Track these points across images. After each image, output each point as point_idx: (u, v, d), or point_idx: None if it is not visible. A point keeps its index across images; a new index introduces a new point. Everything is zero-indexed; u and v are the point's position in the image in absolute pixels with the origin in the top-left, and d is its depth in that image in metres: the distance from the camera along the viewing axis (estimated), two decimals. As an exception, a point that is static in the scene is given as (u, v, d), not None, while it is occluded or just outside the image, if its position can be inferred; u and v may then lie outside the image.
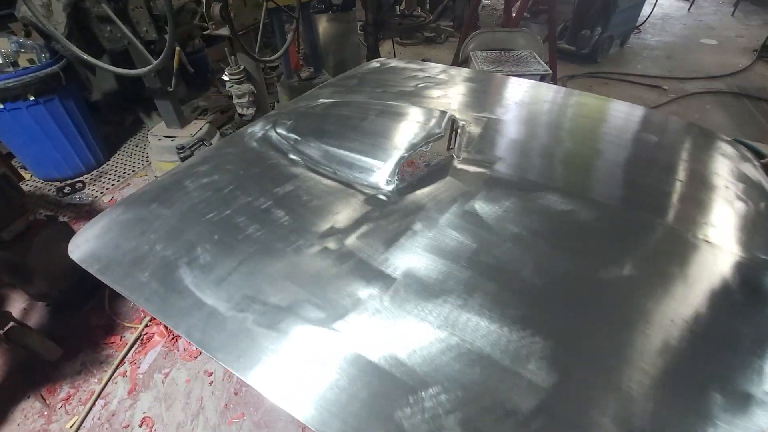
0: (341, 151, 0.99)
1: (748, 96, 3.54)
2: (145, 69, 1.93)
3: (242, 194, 0.95)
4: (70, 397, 1.53)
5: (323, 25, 3.12)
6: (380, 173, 0.92)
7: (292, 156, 1.07)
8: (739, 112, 3.36)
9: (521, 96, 1.39)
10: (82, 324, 1.78)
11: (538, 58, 2.12)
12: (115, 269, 0.83)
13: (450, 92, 1.42)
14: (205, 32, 2.11)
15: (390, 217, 0.84)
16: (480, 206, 0.85)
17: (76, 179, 2.65)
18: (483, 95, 1.42)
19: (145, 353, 1.67)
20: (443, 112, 1.07)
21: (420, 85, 1.45)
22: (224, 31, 2.04)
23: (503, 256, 0.76)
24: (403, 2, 2.39)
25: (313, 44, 3.09)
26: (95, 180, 2.67)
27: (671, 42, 4.81)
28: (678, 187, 0.97)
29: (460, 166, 0.96)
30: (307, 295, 0.71)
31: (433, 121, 1.03)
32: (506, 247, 0.77)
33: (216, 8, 1.95)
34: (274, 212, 0.90)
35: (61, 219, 2.34)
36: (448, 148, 1.04)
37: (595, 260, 0.77)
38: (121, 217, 0.95)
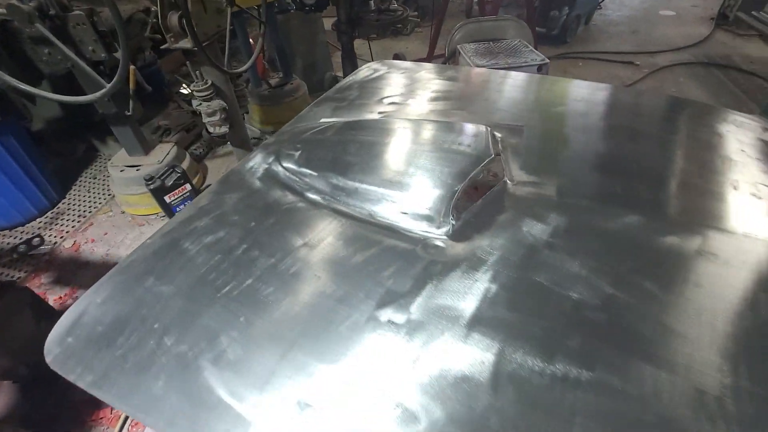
0: (375, 188, 0.83)
1: (716, 65, 3.62)
2: (98, 94, 1.67)
3: (261, 254, 0.77)
4: (60, 493, 1.30)
5: (289, 27, 2.88)
6: (431, 214, 0.77)
7: (310, 195, 0.90)
8: (711, 82, 3.42)
9: (545, 95, 1.26)
10: (62, 400, 1.53)
11: (530, 47, 2.01)
12: (115, 380, 0.64)
13: (463, 97, 1.27)
14: (162, 47, 1.85)
15: (454, 271, 0.69)
16: (562, 242, 0.71)
17: (30, 227, 2.32)
18: (500, 97, 1.28)
19: (144, 427, 1.45)
20: (485, 128, 0.92)
21: (429, 93, 1.29)
22: (185, 43, 1.79)
23: (616, 303, 0.63)
24: (379, -4, 2.22)
25: (280, 48, 2.86)
26: (51, 223, 2.35)
27: (632, 16, 4.87)
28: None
29: (517, 191, 0.82)
30: (392, 399, 0.55)
31: (479, 140, 0.88)
32: (612, 290, 0.64)
33: (174, 18, 1.70)
34: (308, 275, 0.73)
35: (18, 274, 2.03)
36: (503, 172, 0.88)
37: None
38: (109, 303, 0.75)
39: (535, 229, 0.74)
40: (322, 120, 1.18)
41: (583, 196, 0.80)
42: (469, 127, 0.94)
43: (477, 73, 1.45)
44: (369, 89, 1.36)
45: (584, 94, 1.23)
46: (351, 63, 2.60)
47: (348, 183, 0.87)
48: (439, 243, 0.73)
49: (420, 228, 0.76)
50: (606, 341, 0.58)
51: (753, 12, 3.91)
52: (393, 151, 0.91)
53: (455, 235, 0.74)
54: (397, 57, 3.35)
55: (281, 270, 0.74)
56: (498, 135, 0.97)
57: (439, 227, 0.76)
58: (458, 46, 2.13)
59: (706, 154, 0.96)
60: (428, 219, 0.77)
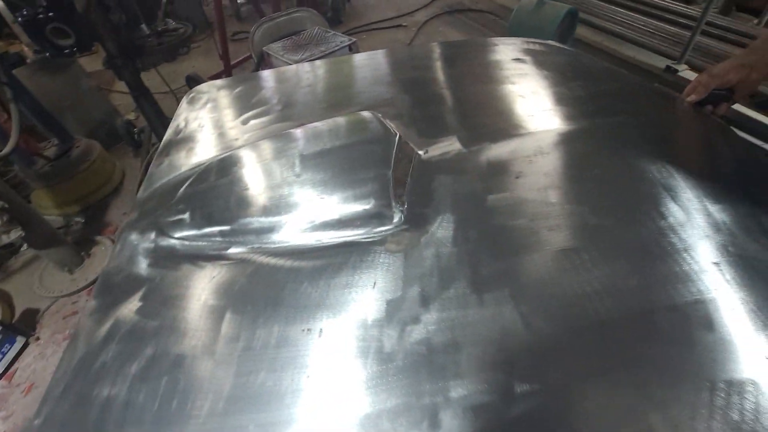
0: (305, 212, 0.76)
1: (456, 11, 4.44)
2: None
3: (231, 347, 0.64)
4: None
5: (38, 81, 2.25)
6: (378, 211, 0.76)
7: (234, 251, 0.77)
8: (460, 24, 4.20)
9: (382, 68, 1.35)
10: None
11: (332, 31, 2.08)
12: None
13: (318, 94, 1.26)
14: None
15: (429, 249, 0.71)
16: (489, 183, 0.81)
17: None
18: (350, 83, 1.31)
19: None
20: (371, 113, 0.94)
21: (285, 99, 1.23)
22: None
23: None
24: (159, 16, 1.89)
25: (36, 110, 2.22)
26: None
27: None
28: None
29: (432, 158, 0.87)
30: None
31: (375, 126, 0.89)
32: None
33: None
34: (301, 333, 0.64)
35: None
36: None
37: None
38: None
39: (468, 180, 0.82)
40: (185, 170, 1.00)
41: (478, 139, 0.91)
42: (360, 118, 0.94)
43: (308, 68, 1.43)
44: (214, 116, 1.20)
45: (410, 55, 1.37)
46: (148, 100, 2.22)
47: (272, 219, 0.78)
48: (401, 233, 0.74)
49: (376, 229, 0.75)
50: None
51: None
52: (302, 166, 0.84)
53: (410, 219, 0.76)
54: (192, 79, 3.01)
55: (279, 354, 0.63)
56: (380, 115, 1.00)
57: (392, 219, 0.76)
58: (264, 49, 2.04)
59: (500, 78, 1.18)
60: (378, 217, 0.76)
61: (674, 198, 0.73)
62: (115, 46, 1.92)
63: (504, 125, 0.95)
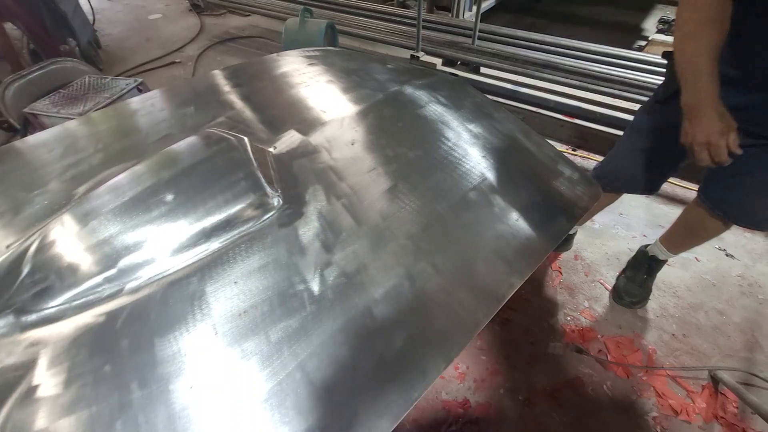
0: (187, 226, 0.83)
1: (227, 40, 4.52)
2: None
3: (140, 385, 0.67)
4: None
5: None
6: (260, 200, 0.88)
7: (135, 284, 0.77)
8: (237, 51, 4.31)
9: (211, 99, 1.40)
10: None
11: (109, 76, 1.90)
12: None
13: (138, 133, 1.23)
14: None
15: (309, 218, 0.89)
16: (337, 155, 1.03)
17: None
18: (162, 117, 1.32)
19: None
20: (212, 131, 1.02)
21: (91, 150, 1.16)
22: None
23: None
24: None
25: None
26: None
27: (131, 28, 5.04)
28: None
29: (283, 149, 1.03)
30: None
31: (223, 138, 0.98)
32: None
33: None
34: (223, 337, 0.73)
35: None
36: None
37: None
38: None
39: (318, 157, 1.02)
40: (14, 247, 0.87)
41: (311, 126, 1.12)
42: (203, 135, 1.01)
43: (105, 114, 1.35)
44: (12, 187, 1.05)
45: (211, 81, 1.47)
46: None
47: (162, 244, 0.81)
48: (285, 212, 0.89)
49: (264, 217, 0.88)
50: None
51: (210, -3, 4.94)
52: (168, 191, 0.88)
53: (288, 199, 0.92)
54: None
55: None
56: (220, 130, 1.10)
57: (274, 204, 0.90)
58: (26, 111, 1.73)
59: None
60: (261, 206, 0.89)
61: (448, 125, 1.11)
62: None
63: (325, 111, 1.19)
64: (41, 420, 0.61)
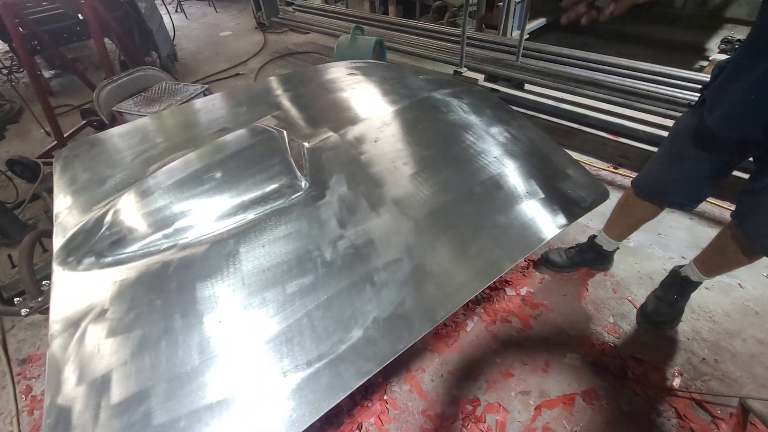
0: (239, 197, 0.99)
1: (287, 55, 4.92)
2: None
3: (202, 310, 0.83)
4: None
5: None
6: (292, 182, 1.03)
7: (186, 241, 0.94)
8: (294, 65, 4.68)
9: (252, 98, 1.62)
10: None
11: (182, 83, 2.22)
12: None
13: (200, 126, 1.45)
14: None
15: (331, 199, 1.02)
16: (361, 148, 1.17)
17: None
18: (227, 113, 1.54)
19: None
20: (261, 125, 1.20)
21: (159, 139, 1.39)
22: None
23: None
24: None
25: None
26: None
27: (204, 42, 5.65)
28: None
29: (315, 143, 1.19)
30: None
31: (267, 131, 1.16)
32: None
33: None
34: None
35: None
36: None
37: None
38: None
39: (345, 151, 1.16)
40: (100, 206, 1.09)
41: (342, 125, 1.27)
42: (251, 129, 1.20)
43: (177, 111, 1.60)
44: (99, 166, 1.28)
45: (265, 86, 1.68)
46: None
47: (210, 211, 0.98)
48: (311, 194, 1.03)
49: (292, 197, 1.03)
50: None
51: (273, 17, 5.42)
52: (218, 170, 1.05)
53: (314, 184, 1.06)
54: (17, 163, 2.69)
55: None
56: (265, 125, 1.28)
57: (302, 186, 1.05)
58: (114, 109, 2.06)
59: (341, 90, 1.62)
60: (291, 187, 1.04)
61: (466, 129, 1.21)
62: None
63: (357, 113, 1.34)
64: (107, 333, 0.78)
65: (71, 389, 0.72)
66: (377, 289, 0.82)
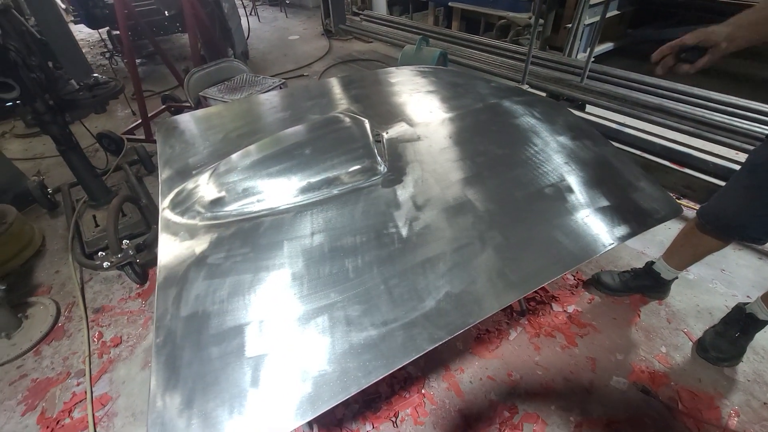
0: (330, 171, 1.09)
1: (350, 60, 5.14)
2: None
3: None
4: None
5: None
6: (371, 166, 1.12)
7: (278, 205, 1.04)
8: (353, 71, 4.87)
9: (335, 93, 1.74)
10: None
11: (261, 75, 2.40)
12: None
13: (286, 111, 1.58)
14: None
15: (405, 184, 1.09)
16: (449, 144, 1.24)
17: None
18: (311, 102, 1.66)
19: None
20: (341, 113, 1.31)
21: (252, 118, 1.53)
22: None
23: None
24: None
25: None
26: None
27: (274, 44, 6.02)
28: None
29: (392, 135, 1.28)
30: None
31: (354, 120, 1.26)
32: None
33: None
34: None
35: None
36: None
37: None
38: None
39: (421, 143, 1.23)
40: (201, 169, 1.23)
41: (419, 120, 1.35)
42: (338, 115, 1.31)
43: (261, 97, 1.75)
44: (196, 137, 1.44)
45: (344, 81, 1.79)
46: (77, 154, 2.23)
47: (298, 183, 1.08)
48: (389, 177, 1.11)
49: (372, 179, 1.11)
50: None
51: (341, 25, 5.68)
52: (310, 148, 1.16)
53: (392, 169, 1.14)
54: (105, 136, 3.01)
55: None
56: (350, 113, 1.38)
57: (381, 170, 1.13)
58: (200, 94, 2.27)
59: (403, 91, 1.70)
60: (371, 170, 1.12)
61: (537, 134, 1.25)
62: (44, 104, 1.96)
63: (431, 111, 1.42)
64: (207, 275, 0.89)
65: (176, 317, 0.82)
66: (450, 267, 0.87)
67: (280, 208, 1.04)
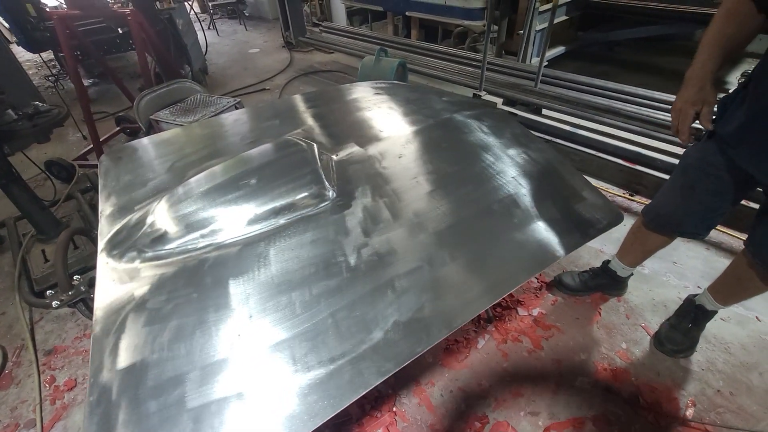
0: (273, 202, 1.07)
1: (311, 72, 5.11)
2: None
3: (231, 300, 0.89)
4: None
5: None
6: (320, 192, 1.10)
7: (220, 241, 1.01)
8: (318, 83, 4.85)
9: (278, 112, 1.72)
10: None
11: (215, 95, 2.35)
12: None
13: (234, 136, 1.55)
14: None
15: (354, 206, 1.09)
16: (385, 163, 1.24)
17: None
18: (258, 126, 1.64)
19: None
20: (290, 138, 1.29)
21: (195, 146, 1.48)
22: None
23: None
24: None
25: None
26: None
27: (234, 59, 5.92)
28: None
29: (342, 156, 1.27)
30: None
31: (298, 145, 1.24)
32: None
33: None
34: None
35: None
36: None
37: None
38: None
39: (370, 165, 1.23)
40: (142, 205, 1.18)
41: (368, 141, 1.35)
42: (284, 140, 1.28)
43: (212, 122, 1.71)
44: (142, 168, 1.38)
45: (292, 102, 1.78)
46: (19, 186, 2.10)
47: (244, 215, 1.05)
48: (338, 203, 1.10)
49: (320, 205, 1.09)
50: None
51: (301, 37, 5.65)
52: (254, 177, 1.13)
53: (341, 194, 1.13)
54: (55, 164, 2.85)
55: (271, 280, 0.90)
56: (297, 138, 1.36)
57: (330, 196, 1.12)
58: (151, 117, 2.19)
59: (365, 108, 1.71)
60: (319, 196, 1.11)
61: (486, 149, 1.27)
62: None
63: (382, 131, 1.42)
64: (147, 321, 0.85)
65: (112, 370, 0.78)
66: (398, 295, 0.86)
67: (226, 242, 1.01)
